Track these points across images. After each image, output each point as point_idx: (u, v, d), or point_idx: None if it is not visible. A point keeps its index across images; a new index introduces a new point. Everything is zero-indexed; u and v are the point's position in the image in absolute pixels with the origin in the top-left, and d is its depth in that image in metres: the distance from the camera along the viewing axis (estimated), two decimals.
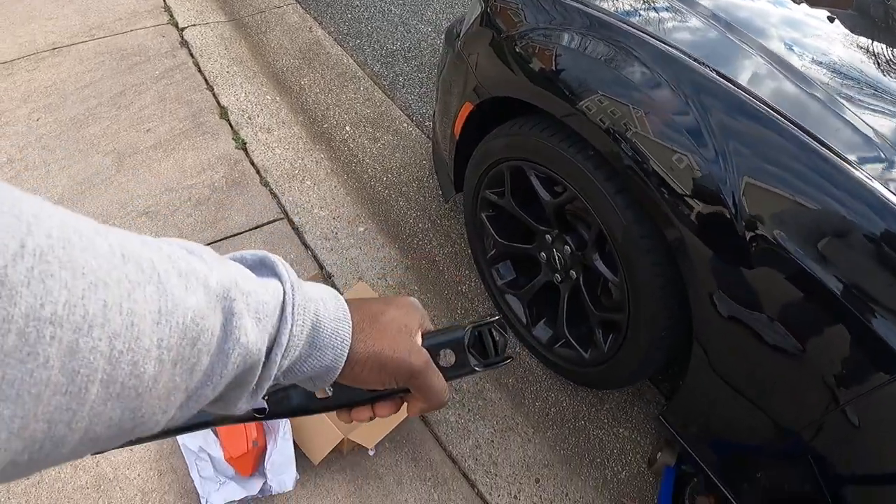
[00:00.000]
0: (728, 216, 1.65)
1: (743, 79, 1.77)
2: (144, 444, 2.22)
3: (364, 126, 3.59)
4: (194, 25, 4.24)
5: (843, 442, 1.58)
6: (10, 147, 3.35)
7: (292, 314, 0.62)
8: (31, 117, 3.53)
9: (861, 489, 1.64)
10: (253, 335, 0.56)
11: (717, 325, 1.76)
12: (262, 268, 0.66)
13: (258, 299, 0.58)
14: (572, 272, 2.30)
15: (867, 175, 1.52)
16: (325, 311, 0.67)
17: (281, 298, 0.62)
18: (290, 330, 0.62)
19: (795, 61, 1.90)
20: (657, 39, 1.90)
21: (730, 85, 1.73)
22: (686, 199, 1.72)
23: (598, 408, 2.55)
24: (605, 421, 2.52)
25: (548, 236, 2.34)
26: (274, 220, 3.03)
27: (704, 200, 1.70)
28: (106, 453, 2.08)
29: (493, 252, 2.62)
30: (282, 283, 0.64)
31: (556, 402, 2.55)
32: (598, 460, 2.42)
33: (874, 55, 2.20)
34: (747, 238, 1.62)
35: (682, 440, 2.11)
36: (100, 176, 3.19)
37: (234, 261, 0.65)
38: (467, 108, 2.43)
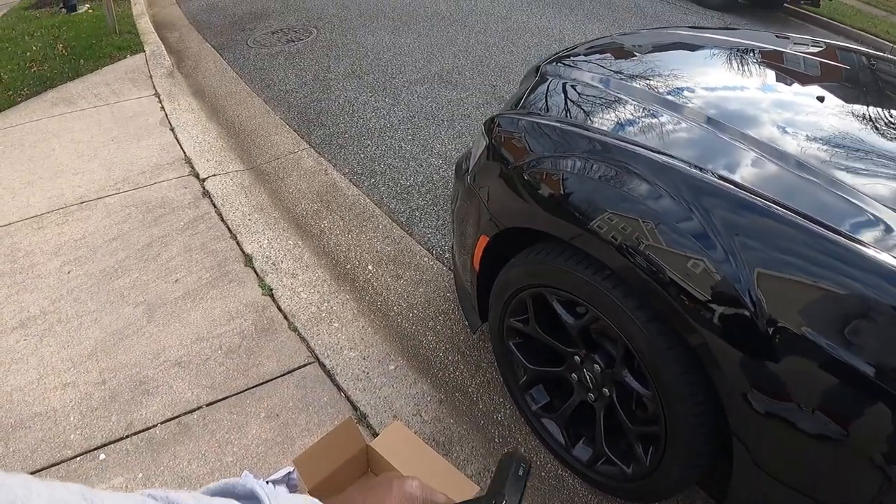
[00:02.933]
0: (747, 313, 1.67)
1: (738, 175, 1.85)
2: None
3: (386, 264, 3.67)
4: (214, 175, 4.39)
5: None
6: (43, 300, 3.45)
7: None
8: (62, 270, 3.64)
9: None
10: None
11: (754, 422, 1.76)
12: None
13: None
14: (605, 390, 2.31)
15: (875, 248, 1.56)
16: None
17: None
18: None
19: (789, 146, 1.97)
20: (652, 151, 1.98)
21: (725, 184, 1.80)
22: (704, 302, 1.75)
23: None
24: None
25: (576, 357, 2.36)
26: (305, 365, 3.06)
27: (722, 301, 1.72)
28: None
29: (524, 378, 2.63)
30: None
31: None
32: None
33: (870, 122, 2.26)
34: (769, 332, 1.64)
35: None
36: (131, 327, 3.26)
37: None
38: (484, 241, 2.49)
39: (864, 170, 1.96)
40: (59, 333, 3.25)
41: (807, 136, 2.10)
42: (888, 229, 1.66)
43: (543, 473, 2.66)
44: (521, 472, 0.85)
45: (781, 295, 1.64)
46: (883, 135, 2.19)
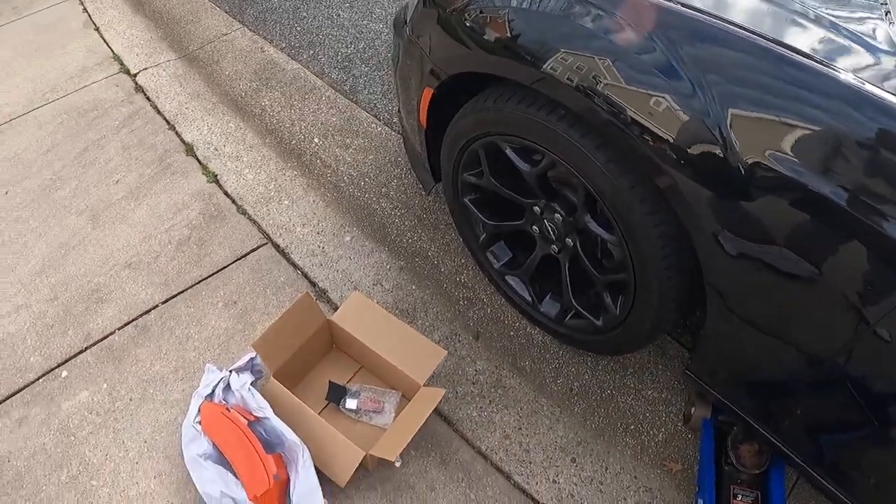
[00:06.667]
0: (718, 150, 1.53)
1: (711, 6, 1.64)
2: (167, 500, 2.17)
3: (332, 135, 3.52)
4: (146, 69, 4.18)
5: (877, 358, 1.48)
6: None
7: None
8: None
9: None
10: None
11: (726, 264, 1.66)
12: None
13: None
14: (568, 240, 2.21)
15: (856, 78, 1.40)
16: None
17: None
18: None
19: None
20: None
21: (696, 13, 1.61)
22: (671, 141, 1.61)
23: (622, 374, 2.47)
24: (632, 385, 2.45)
25: (536, 208, 2.25)
26: (258, 247, 2.97)
27: (691, 139, 1.58)
28: None
29: (484, 236, 2.54)
30: None
31: (578, 375, 2.48)
32: (632, 427, 2.35)
33: None
34: (742, 169, 1.50)
35: (712, 391, 2.03)
36: (77, 237, 3.14)
37: None
38: (428, 94, 2.33)
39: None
40: (3, 257, 3.12)
41: None
42: (870, 59, 1.49)
43: (512, 333, 2.61)
44: None
45: (754, 129, 1.49)
46: None
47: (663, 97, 1.60)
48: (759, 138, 1.48)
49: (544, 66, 1.82)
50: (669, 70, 1.59)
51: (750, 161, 1.49)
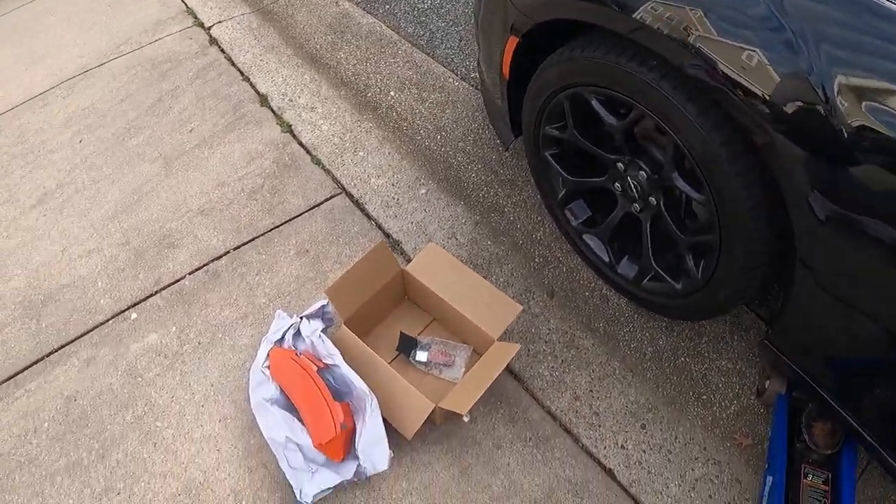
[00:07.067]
0: (821, 109, 1.43)
1: None
2: (231, 444, 2.15)
3: (409, 88, 3.49)
4: (220, 22, 4.21)
5: None
6: (58, 172, 3.37)
7: None
8: (73, 140, 3.55)
9: None
10: None
11: (820, 233, 1.57)
12: None
13: None
14: (651, 198, 2.13)
15: None
16: None
17: None
18: None
19: None
20: None
21: None
22: (768, 97, 1.51)
23: (697, 341, 2.40)
24: (706, 354, 2.37)
25: (619, 164, 2.17)
26: (332, 197, 2.95)
27: (791, 96, 1.48)
28: (194, 455, 2.04)
29: (563, 192, 2.46)
30: None
31: (652, 340, 2.41)
32: (704, 397, 2.28)
33: None
34: (846, 131, 1.40)
35: (791, 364, 1.94)
36: (150, 183, 3.17)
37: None
38: (513, 43, 2.26)
39: None
40: (77, 203, 3.18)
41: None
42: None
43: (587, 293, 2.55)
44: None
45: (862, 88, 1.38)
46: None
47: (763, 51, 1.51)
48: (867, 98, 1.38)
49: (634, 14, 1.73)
50: (771, 22, 1.50)
51: (856, 123, 1.39)
